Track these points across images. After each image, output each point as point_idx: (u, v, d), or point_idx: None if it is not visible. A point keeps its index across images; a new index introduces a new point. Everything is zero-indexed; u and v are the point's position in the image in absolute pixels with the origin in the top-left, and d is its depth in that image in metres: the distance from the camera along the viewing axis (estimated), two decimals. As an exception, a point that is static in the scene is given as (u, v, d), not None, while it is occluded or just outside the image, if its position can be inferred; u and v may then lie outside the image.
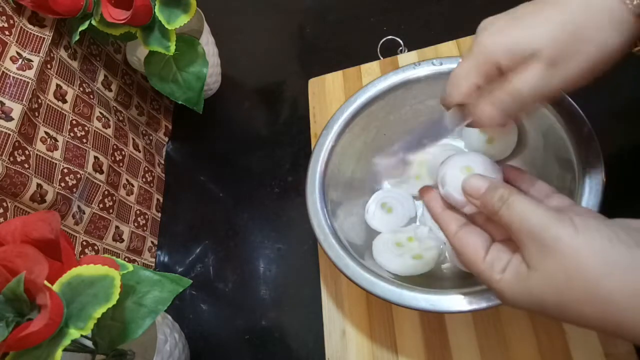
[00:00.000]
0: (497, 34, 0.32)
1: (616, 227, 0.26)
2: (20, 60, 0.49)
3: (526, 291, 0.28)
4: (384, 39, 0.68)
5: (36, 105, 0.50)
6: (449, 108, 0.36)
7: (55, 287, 0.35)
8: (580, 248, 0.26)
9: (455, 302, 0.38)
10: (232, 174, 0.68)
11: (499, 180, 0.36)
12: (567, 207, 0.32)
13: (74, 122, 0.55)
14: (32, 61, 0.50)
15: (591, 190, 0.38)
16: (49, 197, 0.49)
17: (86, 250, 0.54)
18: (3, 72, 0.47)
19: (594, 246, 0.26)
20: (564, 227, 0.27)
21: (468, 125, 0.35)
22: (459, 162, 0.37)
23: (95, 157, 0.57)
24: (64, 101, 0.54)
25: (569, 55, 0.29)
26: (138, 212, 0.63)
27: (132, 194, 0.63)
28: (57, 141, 0.52)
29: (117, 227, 0.59)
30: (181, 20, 0.54)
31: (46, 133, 0.51)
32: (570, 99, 0.42)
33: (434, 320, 0.48)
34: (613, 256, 0.25)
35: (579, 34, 0.29)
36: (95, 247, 0.55)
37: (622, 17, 0.29)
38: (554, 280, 0.27)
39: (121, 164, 0.62)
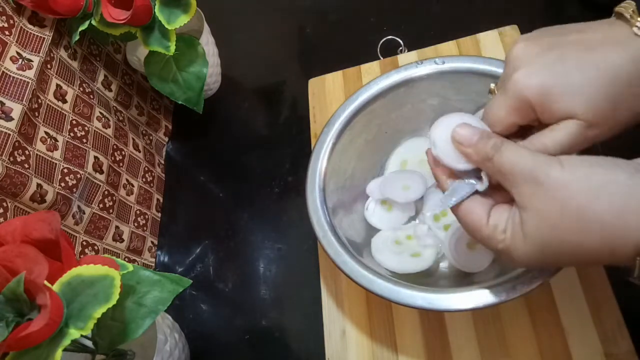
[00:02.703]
0: (534, 77, 0.30)
1: (597, 157, 0.27)
2: (20, 60, 0.49)
3: (528, 240, 0.28)
4: (384, 39, 0.68)
5: (36, 105, 0.50)
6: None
7: (55, 287, 0.35)
8: (567, 179, 0.27)
9: (453, 300, 0.38)
10: (232, 174, 0.68)
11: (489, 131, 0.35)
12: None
13: (74, 122, 0.55)
14: (32, 61, 0.50)
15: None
16: (49, 197, 0.49)
17: (86, 250, 0.54)
18: (3, 72, 0.47)
19: (578, 174, 0.27)
20: (552, 165, 0.27)
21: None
22: (451, 122, 0.35)
23: (95, 157, 0.57)
24: (64, 101, 0.54)
25: (606, 121, 0.29)
26: (138, 212, 0.63)
27: (132, 194, 0.63)
28: (57, 141, 0.52)
29: (117, 227, 0.59)
30: (181, 20, 0.54)
31: (46, 133, 0.51)
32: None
33: (434, 320, 0.48)
34: (597, 180, 0.26)
35: (619, 102, 0.29)
36: (95, 247, 0.55)
37: None
38: (548, 216, 0.27)
39: (121, 164, 0.62)
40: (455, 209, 0.33)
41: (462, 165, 0.33)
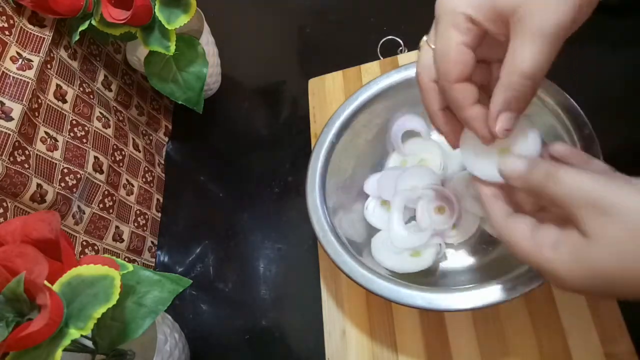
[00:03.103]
0: None
1: None
2: (20, 60, 0.49)
3: (586, 264, 0.26)
4: (384, 39, 0.68)
5: (36, 105, 0.50)
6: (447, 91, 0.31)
7: (55, 287, 0.35)
8: None
9: (453, 300, 0.38)
10: (232, 174, 0.68)
11: (536, 156, 0.32)
12: (609, 171, 0.30)
13: (74, 122, 0.55)
14: (32, 61, 0.50)
15: (591, 190, 0.38)
16: (49, 197, 0.49)
17: (86, 250, 0.54)
18: (3, 72, 0.47)
19: None
20: (622, 188, 0.25)
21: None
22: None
23: (95, 157, 0.57)
24: (64, 101, 0.54)
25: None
26: (138, 212, 0.63)
27: (132, 194, 0.63)
28: (57, 141, 0.52)
29: (117, 227, 0.59)
30: (181, 20, 0.54)
31: (46, 133, 0.51)
32: (571, 100, 0.42)
33: (434, 320, 0.48)
34: None
35: None
36: (95, 247, 0.55)
37: None
38: (620, 245, 0.24)
39: (121, 164, 0.62)
40: (498, 225, 0.31)
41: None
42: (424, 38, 0.33)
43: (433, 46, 0.31)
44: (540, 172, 0.28)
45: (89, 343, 0.40)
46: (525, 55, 0.27)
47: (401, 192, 0.49)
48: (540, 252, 0.28)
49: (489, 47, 0.31)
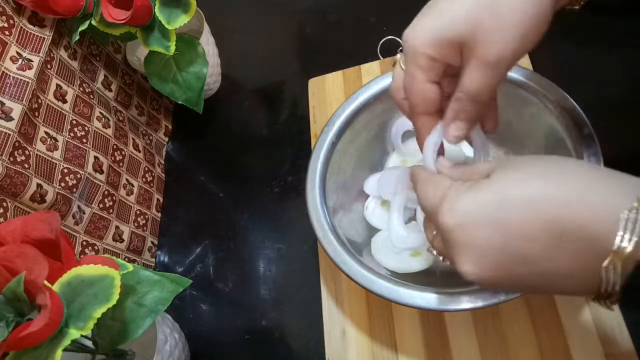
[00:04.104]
0: (419, 29, 0.31)
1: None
2: (20, 60, 0.49)
3: (488, 187, 0.27)
4: (384, 39, 0.68)
5: (36, 105, 0.50)
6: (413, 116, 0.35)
7: (55, 287, 0.35)
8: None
9: (453, 300, 0.38)
10: (232, 174, 0.68)
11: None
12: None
13: (74, 122, 0.55)
14: (32, 61, 0.50)
15: (591, 190, 0.38)
16: (49, 197, 0.49)
17: (86, 250, 0.54)
18: (3, 72, 0.47)
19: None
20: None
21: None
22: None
23: (95, 157, 0.57)
24: (64, 101, 0.54)
25: (494, 31, 0.28)
26: (138, 212, 0.63)
27: (132, 194, 0.63)
28: (57, 141, 0.52)
29: (117, 227, 0.59)
30: (181, 20, 0.54)
31: (46, 133, 0.51)
32: (571, 100, 0.42)
33: (434, 320, 0.48)
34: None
35: (496, 10, 0.28)
36: (95, 247, 0.55)
37: None
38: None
39: (121, 164, 0.62)
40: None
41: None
42: (398, 55, 0.35)
43: (404, 67, 0.34)
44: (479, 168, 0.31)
45: (89, 343, 0.40)
46: (472, 79, 0.30)
47: (401, 192, 0.49)
48: (446, 187, 0.30)
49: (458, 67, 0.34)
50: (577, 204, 0.24)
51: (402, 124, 0.53)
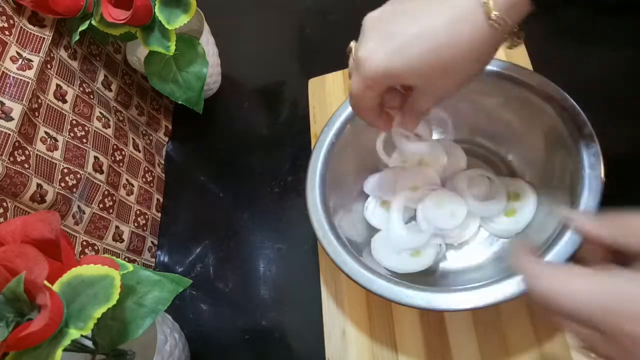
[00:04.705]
0: (376, 58, 0.33)
1: None
2: (20, 60, 0.49)
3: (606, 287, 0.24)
4: (384, 39, 0.68)
5: (36, 105, 0.50)
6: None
7: (55, 287, 0.35)
8: None
9: (453, 300, 0.38)
10: (232, 174, 0.68)
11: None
12: None
13: (74, 122, 0.55)
14: (32, 61, 0.50)
15: (591, 190, 0.39)
16: (49, 197, 0.49)
17: (86, 250, 0.54)
18: (3, 72, 0.47)
19: None
20: None
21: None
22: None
23: (95, 157, 0.57)
24: (64, 101, 0.54)
25: (442, 80, 0.34)
26: (138, 212, 0.63)
27: (132, 194, 0.63)
28: (57, 141, 0.52)
29: (117, 227, 0.59)
30: (181, 20, 0.54)
31: (46, 133, 0.51)
32: (571, 100, 0.42)
33: (434, 320, 0.48)
34: None
35: (447, 65, 0.32)
36: (95, 247, 0.55)
37: (487, 37, 0.31)
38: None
39: (121, 164, 0.62)
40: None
41: None
42: (352, 44, 0.37)
43: (354, 77, 0.36)
44: (610, 215, 0.29)
45: (89, 343, 0.40)
46: (422, 105, 0.37)
47: (401, 192, 0.49)
48: (609, 283, 0.25)
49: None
50: None
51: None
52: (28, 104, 0.48)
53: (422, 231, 0.48)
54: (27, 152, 0.47)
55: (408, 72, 0.33)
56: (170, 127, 0.75)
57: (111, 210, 0.58)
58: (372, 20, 0.34)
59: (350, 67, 0.37)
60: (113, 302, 0.34)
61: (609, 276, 0.25)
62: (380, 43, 0.33)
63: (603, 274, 0.25)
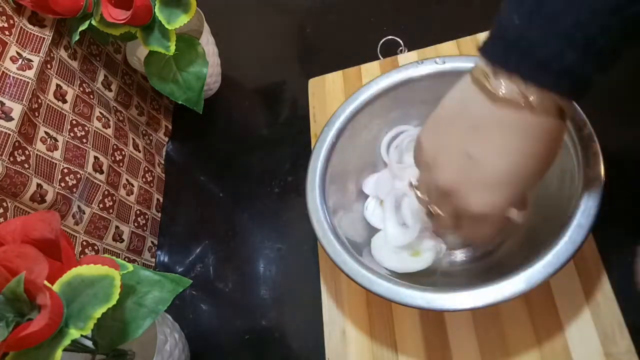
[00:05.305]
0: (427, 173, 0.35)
1: None
2: (20, 60, 0.49)
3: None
4: (384, 39, 0.68)
5: (36, 105, 0.50)
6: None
7: (55, 287, 0.35)
8: None
9: (453, 300, 0.38)
10: (232, 174, 0.68)
11: None
12: None
13: (74, 122, 0.55)
14: (32, 61, 0.50)
15: (591, 190, 0.38)
16: (49, 197, 0.49)
17: (86, 250, 0.54)
18: (3, 72, 0.47)
19: None
20: None
21: None
22: None
23: (95, 157, 0.57)
24: (64, 101, 0.54)
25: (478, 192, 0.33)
26: (138, 212, 0.63)
27: (132, 194, 0.63)
28: (57, 141, 0.52)
29: (117, 227, 0.59)
30: (181, 20, 0.54)
31: (46, 133, 0.51)
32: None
33: (434, 320, 0.48)
34: None
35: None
36: (95, 247, 0.55)
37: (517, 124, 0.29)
38: None
39: (121, 164, 0.62)
40: None
41: None
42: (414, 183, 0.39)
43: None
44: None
45: (89, 343, 0.40)
46: (466, 231, 0.36)
47: (392, 191, 0.49)
48: None
49: None
50: None
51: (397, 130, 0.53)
52: (28, 104, 0.48)
53: (409, 226, 0.48)
54: (27, 152, 0.47)
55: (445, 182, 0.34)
56: (170, 127, 0.75)
57: (111, 210, 0.58)
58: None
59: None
60: (113, 302, 0.34)
61: None
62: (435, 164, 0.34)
63: None
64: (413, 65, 0.50)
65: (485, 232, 0.35)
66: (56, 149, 0.52)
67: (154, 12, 0.54)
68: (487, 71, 0.29)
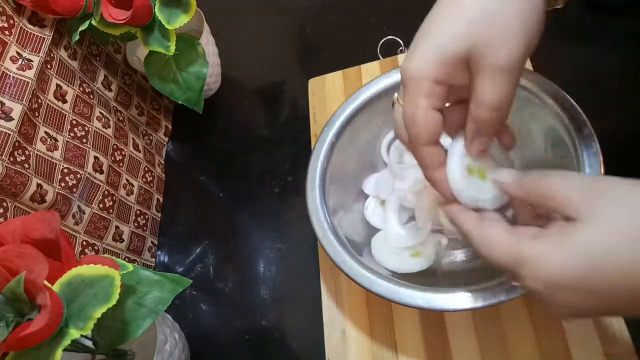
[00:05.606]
0: (417, 55, 0.30)
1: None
2: (20, 60, 0.49)
3: (573, 251, 0.24)
4: (384, 39, 0.68)
5: (36, 105, 0.50)
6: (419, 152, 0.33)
7: (55, 287, 0.35)
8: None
9: (453, 300, 0.38)
10: (232, 174, 0.68)
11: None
12: None
13: (74, 122, 0.55)
14: (32, 61, 0.50)
15: (591, 190, 0.38)
16: (49, 197, 0.49)
17: (86, 250, 0.54)
18: (3, 72, 0.47)
19: None
20: (613, 180, 0.25)
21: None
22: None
23: (95, 157, 0.57)
24: (64, 101, 0.54)
25: (498, 38, 0.27)
26: (138, 212, 0.63)
27: (132, 194, 0.63)
28: (57, 141, 0.52)
29: (117, 227, 0.59)
30: (181, 20, 0.54)
31: (46, 133, 0.51)
32: (571, 100, 0.42)
33: (434, 320, 0.48)
34: None
35: (494, 19, 0.27)
36: (95, 247, 0.55)
37: None
38: (622, 223, 0.23)
39: (121, 164, 0.62)
40: (469, 230, 0.32)
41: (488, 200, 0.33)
42: (395, 95, 0.34)
43: (403, 102, 0.32)
44: (533, 175, 0.30)
45: (89, 343, 0.40)
46: (486, 90, 0.28)
47: (396, 191, 0.49)
48: (518, 244, 0.27)
49: (458, 90, 0.32)
50: None
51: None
52: (28, 104, 0.48)
53: (420, 228, 0.48)
54: (27, 152, 0.47)
55: (456, 41, 0.28)
56: (170, 127, 0.75)
57: (111, 210, 0.58)
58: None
59: (397, 112, 0.33)
60: (113, 302, 0.34)
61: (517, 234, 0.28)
62: (417, 43, 0.30)
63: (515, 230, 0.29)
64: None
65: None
66: (56, 149, 0.52)
67: (154, 12, 0.54)
68: None
